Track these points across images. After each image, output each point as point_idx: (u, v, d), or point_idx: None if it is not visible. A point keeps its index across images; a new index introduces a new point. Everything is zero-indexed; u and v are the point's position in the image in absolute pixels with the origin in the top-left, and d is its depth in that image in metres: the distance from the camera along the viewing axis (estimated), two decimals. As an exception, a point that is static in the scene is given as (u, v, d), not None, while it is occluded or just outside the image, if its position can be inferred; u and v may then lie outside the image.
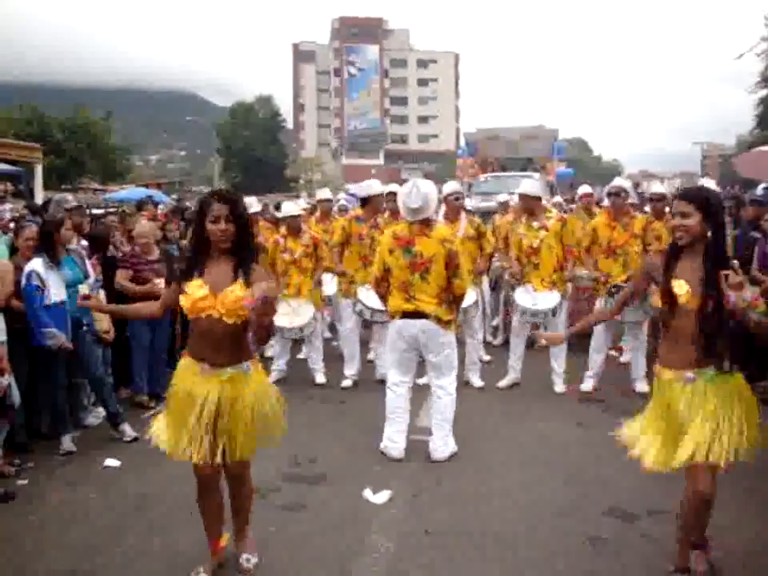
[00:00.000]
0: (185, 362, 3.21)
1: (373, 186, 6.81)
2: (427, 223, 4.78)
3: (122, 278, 6.00)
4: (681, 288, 3.02)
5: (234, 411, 3.11)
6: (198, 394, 3.09)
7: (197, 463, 3.16)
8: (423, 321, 4.73)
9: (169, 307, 3.38)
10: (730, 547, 3.59)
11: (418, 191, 4.69)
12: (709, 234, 3.02)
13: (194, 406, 3.09)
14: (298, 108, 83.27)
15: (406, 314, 4.76)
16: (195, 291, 3.04)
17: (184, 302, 3.08)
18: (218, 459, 3.13)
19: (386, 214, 6.91)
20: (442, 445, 4.86)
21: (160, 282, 6.08)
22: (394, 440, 4.87)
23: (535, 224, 6.47)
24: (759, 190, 7.64)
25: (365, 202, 6.82)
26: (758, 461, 4.71)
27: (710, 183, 6.47)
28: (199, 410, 3.08)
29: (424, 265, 4.70)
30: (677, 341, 3.10)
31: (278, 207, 9.40)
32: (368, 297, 6.44)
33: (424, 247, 4.71)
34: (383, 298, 5.00)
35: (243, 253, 3.08)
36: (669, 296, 3.07)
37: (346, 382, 6.79)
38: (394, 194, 6.95)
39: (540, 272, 6.42)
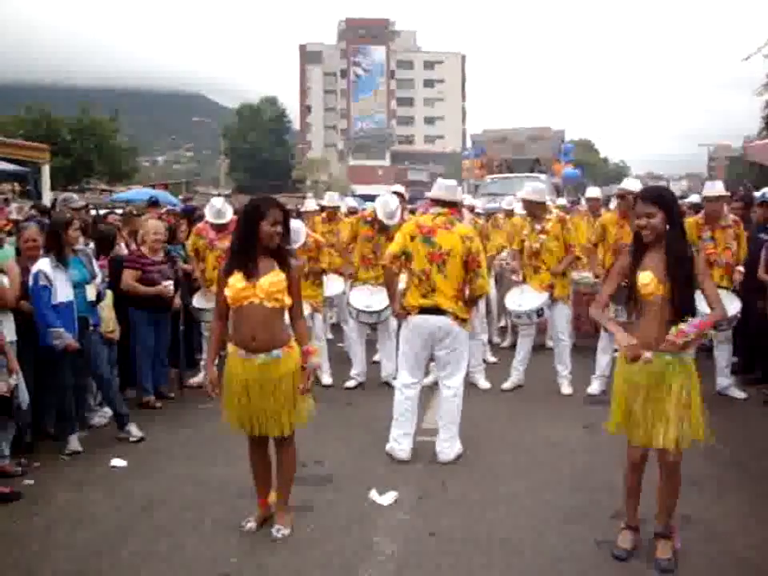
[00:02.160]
0: (231, 349, 3.64)
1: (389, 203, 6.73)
2: (450, 219, 4.89)
3: (129, 278, 6.00)
4: (645, 278, 3.34)
5: (269, 390, 3.54)
6: (240, 377, 3.56)
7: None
8: (441, 317, 4.75)
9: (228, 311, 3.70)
10: (739, 553, 3.57)
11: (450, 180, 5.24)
12: (667, 227, 3.34)
13: (238, 386, 3.57)
14: (305, 109, 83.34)
15: (423, 310, 4.78)
16: (236, 283, 3.49)
17: (228, 292, 3.52)
18: (262, 431, 3.63)
19: None
20: (449, 447, 4.85)
21: (169, 285, 6.08)
22: (400, 442, 4.87)
23: (537, 227, 6.49)
24: (767, 193, 7.59)
25: None
26: (765, 465, 4.69)
27: (718, 184, 6.42)
28: (242, 389, 3.56)
29: (442, 257, 4.76)
30: (643, 325, 3.41)
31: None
32: (356, 297, 6.50)
33: (444, 239, 4.78)
34: (393, 277, 5.01)
35: (282, 250, 3.56)
36: (634, 287, 3.40)
37: (350, 383, 6.81)
38: (398, 194, 7.03)
39: (540, 275, 6.47)
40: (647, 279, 3.34)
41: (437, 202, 4.97)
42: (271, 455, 3.87)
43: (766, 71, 24.94)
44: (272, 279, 3.49)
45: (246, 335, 3.53)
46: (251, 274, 3.50)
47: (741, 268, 6.20)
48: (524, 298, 6.49)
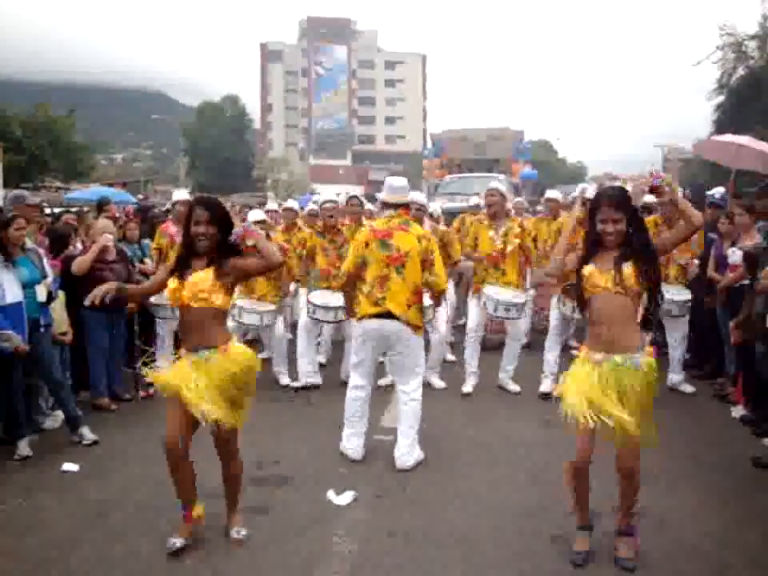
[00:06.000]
0: (181, 352, 3.61)
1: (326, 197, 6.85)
2: (405, 220, 4.83)
3: (77, 261, 5.90)
4: (586, 270, 3.36)
5: (210, 387, 3.42)
6: (176, 375, 3.49)
7: (168, 435, 3.53)
8: (394, 322, 4.68)
9: (161, 288, 3.71)
10: (690, 541, 3.65)
11: (399, 179, 5.05)
12: (630, 230, 3.35)
13: (173, 385, 3.48)
14: (266, 108, 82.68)
15: (375, 314, 4.70)
16: (171, 284, 3.51)
17: (166, 293, 3.56)
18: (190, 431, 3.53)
19: (347, 219, 6.95)
20: (407, 453, 4.75)
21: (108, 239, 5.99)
22: (351, 442, 4.84)
23: (501, 229, 6.48)
24: (717, 193, 7.78)
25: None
26: (743, 470, 4.74)
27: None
28: (182, 386, 3.45)
29: (400, 259, 4.68)
30: (593, 325, 3.40)
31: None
32: (315, 296, 6.58)
33: (401, 241, 4.71)
34: (350, 296, 4.92)
35: (220, 250, 3.46)
36: (581, 283, 3.41)
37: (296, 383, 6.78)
38: (355, 198, 7.07)
39: (506, 278, 6.46)
40: (587, 272, 3.35)
41: (388, 204, 4.87)
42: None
43: (716, 77, 25.75)
44: (195, 279, 3.44)
45: (186, 335, 3.56)
46: (183, 274, 3.49)
47: (696, 261, 6.35)
48: (506, 294, 6.36)
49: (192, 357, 3.49)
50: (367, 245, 4.74)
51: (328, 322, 6.74)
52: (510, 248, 6.42)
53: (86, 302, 3.52)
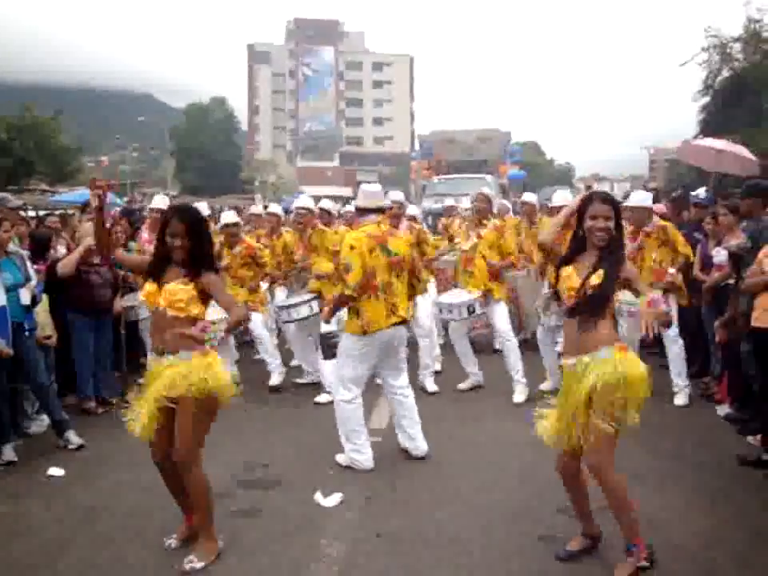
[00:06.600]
0: (150, 357, 3.61)
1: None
2: (389, 224, 4.86)
3: (62, 262, 5.82)
4: (564, 271, 3.35)
5: (173, 397, 3.34)
6: (149, 380, 3.48)
7: (152, 448, 3.54)
8: (401, 327, 4.75)
9: (137, 267, 3.83)
10: (677, 541, 3.66)
11: (374, 185, 5.13)
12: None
13: (148, 390, 3.47)
14: (253, 110, 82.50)
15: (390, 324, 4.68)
16: (147, 287, 3.50)
17: (141, 295, 3.59)
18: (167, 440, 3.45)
19: (317, 225, 6.96)
20: (422, 439, 4.87)
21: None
22: (365, 451, 4.72)
23: (471, 233, 6.48)
24: (702, 193, 7.84)
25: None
26: (730, 469, 4.74)
27: (635, 194, 6.67)
28: (148, 393, 3.45)
29: (399, 264, 4.71)
30: (566, 330, 3.43)
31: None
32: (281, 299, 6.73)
33: (397, 246, 4.73)
34: (352, 305, 4.66)
35: (195, 262, 3.43)
36: (557, 284, 3.40)
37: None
38: (323, 209, 7.14)
39: (475, 280, 6.41)
40: (565, 273, 3.34)
41: (369, 210, 4.78)
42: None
43: (701, 77, 25.99)
44: (173, 288, 3.40)
45: (157, 339, 3.48)
46: (159, 280, 3.47)
47: (672, 270, 6.06)
48: (457, 295, 6.49)
49: (157, 361, 3.46)
50: (372, 251, 4.60)
51: (305, 318, 6.44)
52: (471, 253, 6.41)
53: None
